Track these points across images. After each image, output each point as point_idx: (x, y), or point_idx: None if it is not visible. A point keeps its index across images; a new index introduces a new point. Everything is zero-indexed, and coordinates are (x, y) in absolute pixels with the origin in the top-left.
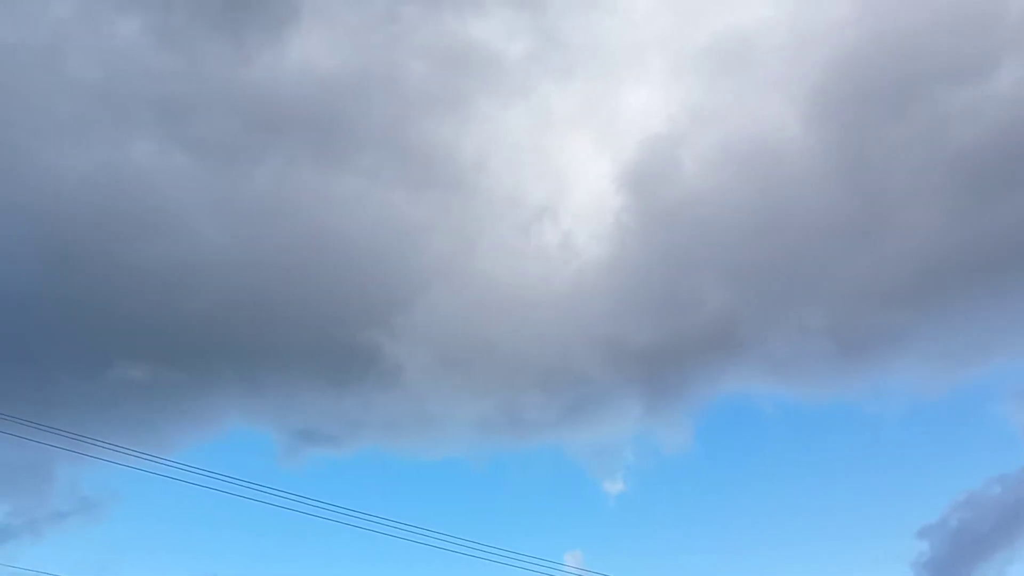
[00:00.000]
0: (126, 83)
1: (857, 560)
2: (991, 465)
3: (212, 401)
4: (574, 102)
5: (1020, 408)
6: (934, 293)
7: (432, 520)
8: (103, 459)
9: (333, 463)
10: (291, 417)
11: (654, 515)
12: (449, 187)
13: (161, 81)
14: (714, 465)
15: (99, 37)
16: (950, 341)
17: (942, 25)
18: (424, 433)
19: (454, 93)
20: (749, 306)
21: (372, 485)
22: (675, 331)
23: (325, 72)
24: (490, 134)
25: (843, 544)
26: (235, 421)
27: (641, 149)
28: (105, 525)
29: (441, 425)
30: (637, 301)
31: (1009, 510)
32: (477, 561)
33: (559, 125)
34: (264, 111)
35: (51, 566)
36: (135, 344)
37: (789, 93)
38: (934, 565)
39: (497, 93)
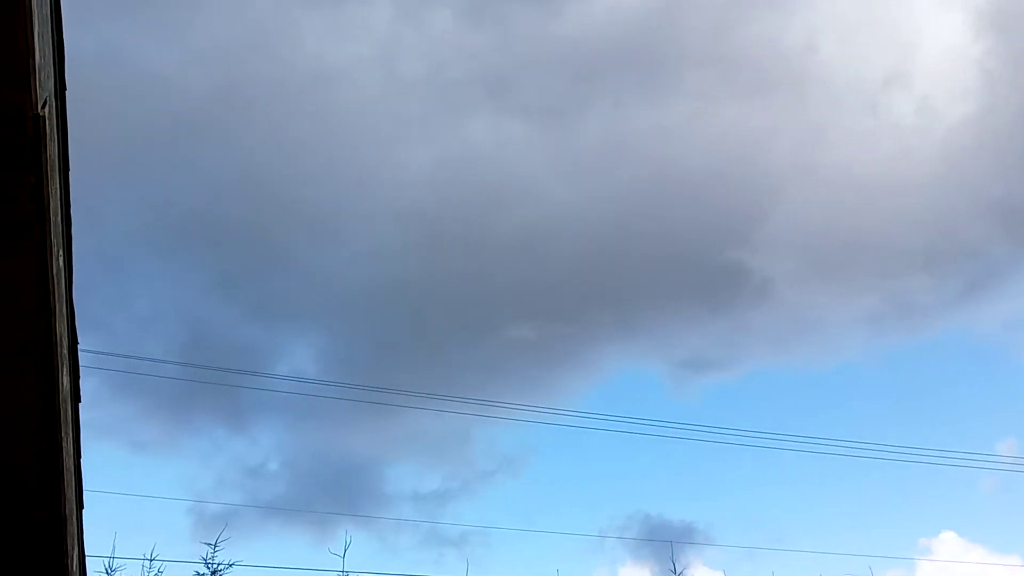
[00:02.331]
0: (450, 70)
1: None
2: None
3: (595, 347)
4: None
5: None
6: None
7: (841, 430)
8: (510, 419)
9: (723, 388)
10: (672, 349)
11: None
12: (783, 85)
13: (480, 59)
14: None
15: (418, 34)
16: None
17: None
18: (809, 343)
19: None
20: None
21: (769, 404)
22: None
23: (633, 2)
24: (817, 18)
25: None
26: (619, 362)
27: None
28: (525, 478)
29: (826, 332)
30: (1020, 154)
31: None
32: (902, 465)
33: None
34: (582, 60)
35: (489, 520)
36: (516, 307)
37: None
38: None
39: None
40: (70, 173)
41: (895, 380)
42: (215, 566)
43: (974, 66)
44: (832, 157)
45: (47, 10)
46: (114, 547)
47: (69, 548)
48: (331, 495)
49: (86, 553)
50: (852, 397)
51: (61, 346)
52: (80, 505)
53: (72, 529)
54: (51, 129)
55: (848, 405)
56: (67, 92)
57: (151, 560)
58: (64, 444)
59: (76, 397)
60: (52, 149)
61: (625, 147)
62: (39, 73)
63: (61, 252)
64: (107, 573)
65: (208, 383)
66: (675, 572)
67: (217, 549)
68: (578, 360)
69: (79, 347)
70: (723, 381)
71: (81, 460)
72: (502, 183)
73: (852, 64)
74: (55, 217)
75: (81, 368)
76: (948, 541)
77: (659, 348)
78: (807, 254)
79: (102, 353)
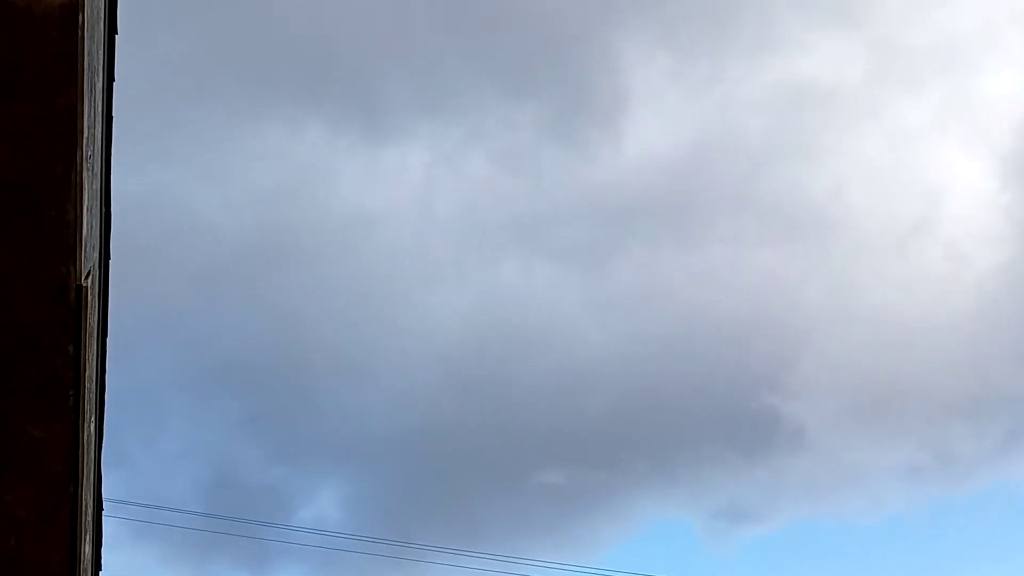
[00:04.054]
0: (484, 213)
1: None
2: None
3: (628, 495)
4: (930, 107)
5: None
6: None
7: None
8: None
9: (761, 540)
10: (706, 498)
11: None
12: (813, 230)
13: (514, 203)
14: None
15: (453, 178)
16: None
17: None
18: (849, 493)
19: (798, 136)
20: None
21: (809, 559)
22: None
23: (665, 151)
24: (844, 166)
25: None
26: (653, 511)
27: (1020, 133)
28: None
29: (865, 481)
30: None
31: None
32: None
33: (919, 135)
34: (615, 204)
35: None
36: (547, 453)
37: None
38: None
39: (843, 123)
40: (108, 339)
41: (940, 535)
42: None
43: (1002, 214)
44: (864, 302)
45: (98, 184)
46: None
47: None
48: None
49: None
50: (897, 552)
51: (85, 514)
52: None
53: None
54: (92, 299)
55: (893, 561)
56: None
57: None
58: None
59: (97, 566)
60: (92, 318)
61: (658, 291)
62: (85, 245)
63: (93, 418)
64: None
65: (230, 534)
66: None
67: None
68: (610, 509)
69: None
70: (761, 533)
71: None
72: (535, 327)
73: (880, 209)
74: (90, 384)
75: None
76: None
77: (693, 497)
78: (842, 400)
79: (122, 502)
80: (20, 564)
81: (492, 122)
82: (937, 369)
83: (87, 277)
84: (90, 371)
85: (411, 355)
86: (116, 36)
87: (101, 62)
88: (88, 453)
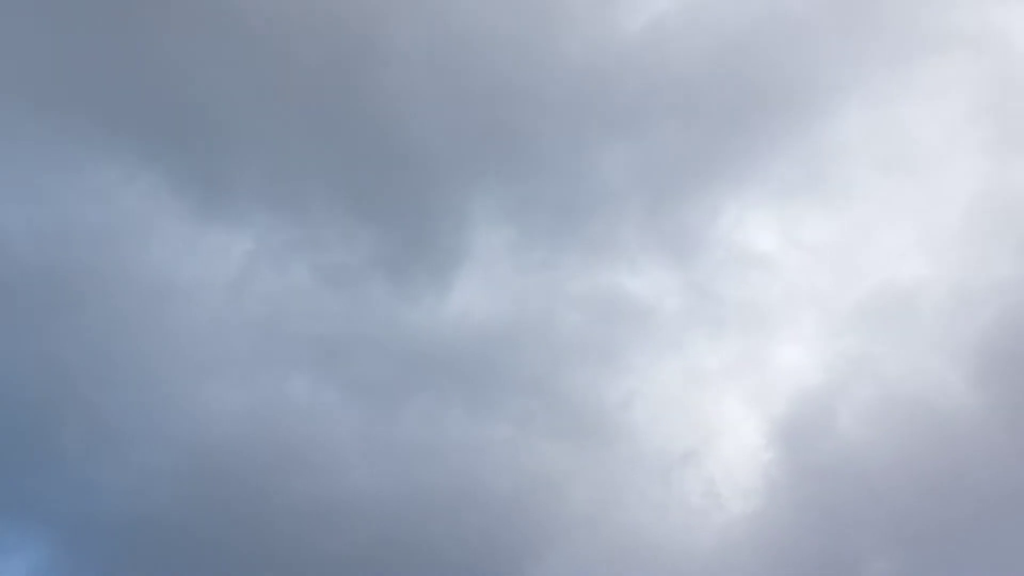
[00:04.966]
0: (291, 319)
1: None
2: None
3: None
4: (725, 356)
5: None
6: None
7: None
8: None
9: None
10: None
11: None
12: (594, 436)
13: (324, 319)
14: None
15: (270, 277)
16: None
17: None
18: None
19: (606, 344)
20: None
21: None
22: None
23: (482, 318)
24: (639, 386)
25: None
26: None
27: (793, 403)
28: None
29: None
30: (790, 562)
31: None
32: None
33: (709, 378)
34: (419, 353)
35: None
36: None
37: (951, 352)
38: None
39: (648, 346)
40: None
41: None
42: None
43: (761, 470)
44: (621, 516)
45: None
46: None
47: None
48: None
49: None
50: None
51: None
52: None
53: None
54: None
55: None
56: None
57: None
58: None
59: None
60: None
61: (434, 449)
62: None
63: None
64: None
65: None
66: None
67: None
68: None
69: None
70: None
71: None
72: (305, 447)
73: (658, 432)
74: None
75: None
76: None
77: None
78: None
79: None
80: None
81: (328, 233)
82: None
83: None
84: None
85: (169, 439)
86: None
87: None
88: None
